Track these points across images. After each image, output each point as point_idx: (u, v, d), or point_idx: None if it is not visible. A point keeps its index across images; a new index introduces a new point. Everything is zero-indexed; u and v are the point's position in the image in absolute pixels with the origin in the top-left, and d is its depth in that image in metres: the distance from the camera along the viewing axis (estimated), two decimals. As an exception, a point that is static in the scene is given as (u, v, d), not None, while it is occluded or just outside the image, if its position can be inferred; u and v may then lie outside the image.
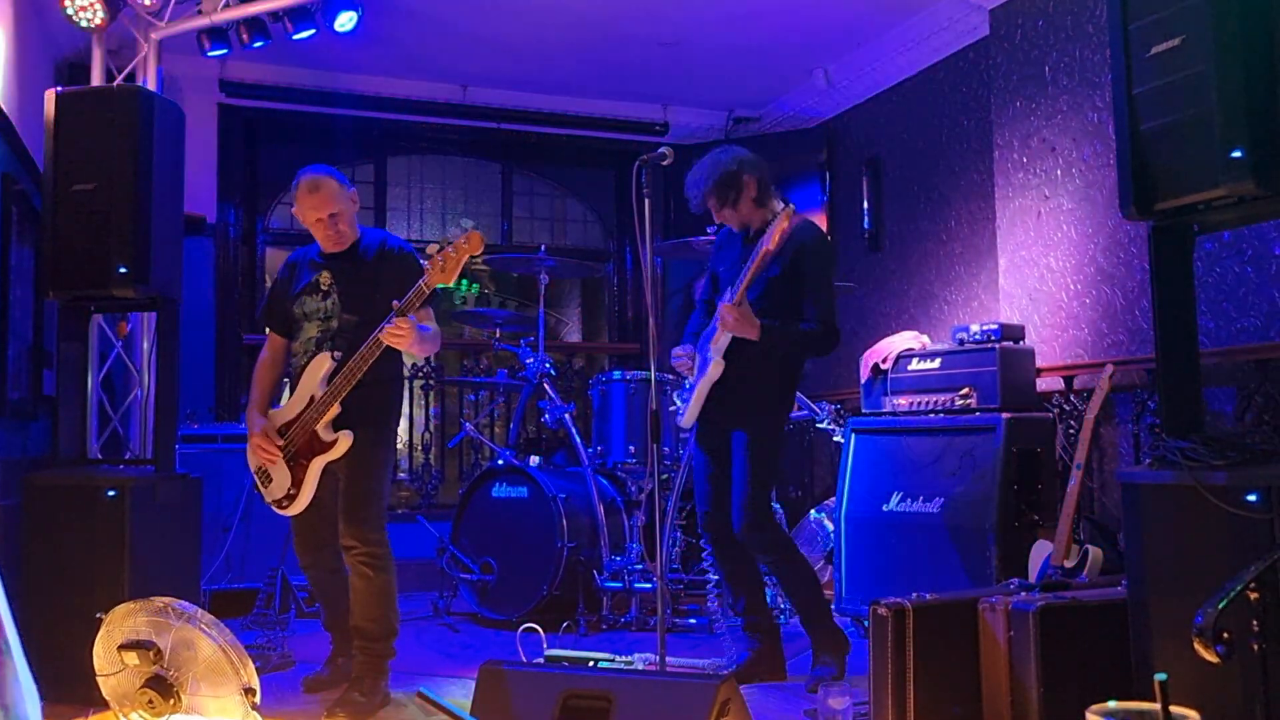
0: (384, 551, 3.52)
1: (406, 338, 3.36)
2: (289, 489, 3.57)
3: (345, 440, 3.48)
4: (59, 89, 3.87)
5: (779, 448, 3.87)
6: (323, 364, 3.51)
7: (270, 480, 3.62)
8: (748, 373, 3.71)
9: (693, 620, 4.75)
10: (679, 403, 3.92)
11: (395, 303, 3.35)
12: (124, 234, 3.71)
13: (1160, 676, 1.11)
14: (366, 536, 3.48)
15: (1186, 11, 2.41)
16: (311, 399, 3.51)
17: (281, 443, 3.56)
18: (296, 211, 3.66)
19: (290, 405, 3.60)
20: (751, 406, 3.74)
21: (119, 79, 4.99)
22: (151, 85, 4.90)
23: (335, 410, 3.48)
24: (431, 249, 3.34)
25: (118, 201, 3.72)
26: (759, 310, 3.64)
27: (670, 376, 5.08)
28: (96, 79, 4.86)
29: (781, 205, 3.73)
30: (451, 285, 3.30)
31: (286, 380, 3.81)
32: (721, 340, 3.69)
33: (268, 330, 3.84)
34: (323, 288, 3.63)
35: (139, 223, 3.72)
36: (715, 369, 3.70)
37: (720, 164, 3.75)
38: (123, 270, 3.69)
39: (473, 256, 3.34)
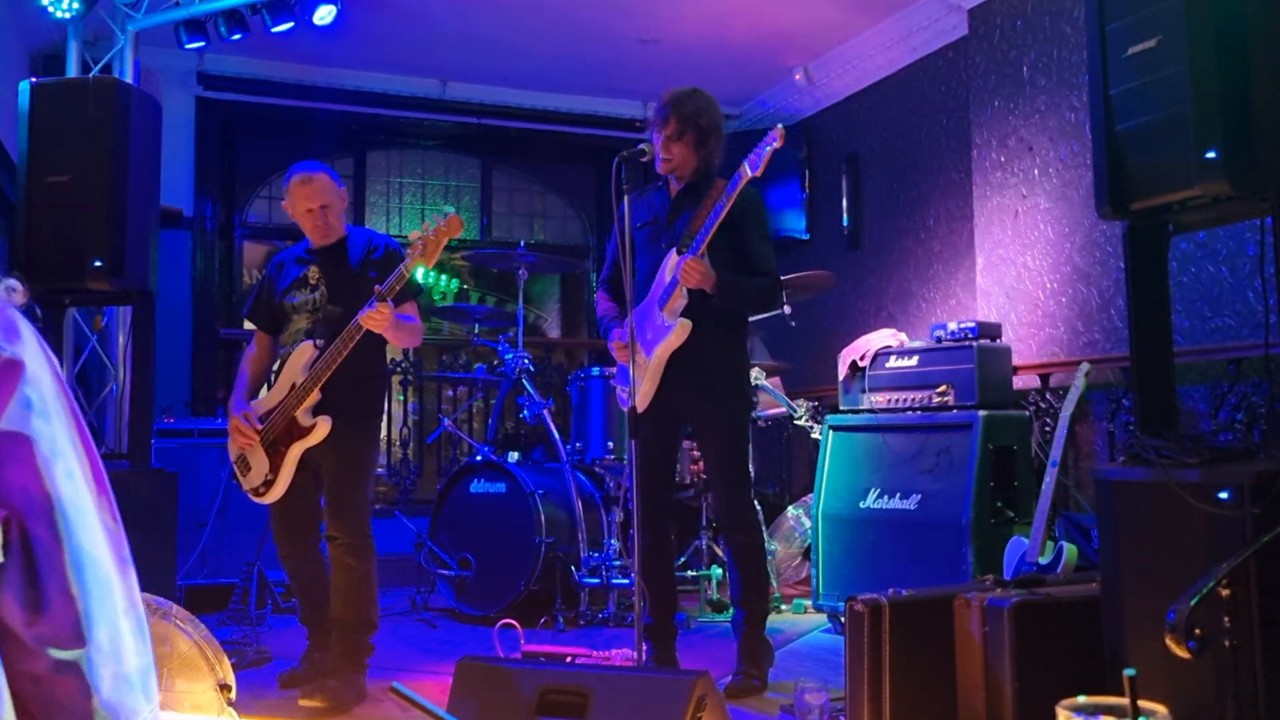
0: (367, 543, 3.54)
1: (384, 321, 3.37)
2: (266, 475, 3.56)
3: (324, 425, 3.47)
4: (34, 80, 3.83)
5: (749, 426, 3.74)
6: (305, 352, 3.53)
7: (249, 468, 3.61)
8: (703, 341, 3.46)
9: (670, 616, 4.74)
10: (619, 390, 3.71)
11: (378, 287, 3.37)
12: (99, 227, 3.68)
13: (1129, 671, 1.12)
14: (351, 528, 3.50)
15: (1163, 13, 2.43)
16: (293, 386, 3.52)
17: (261, 428, 3.56)
18: (287, 204, 3.68)
19: (272, 394, 3.61)
20: (717, 382, 3.52)
21: (95, 71, 4.95)
22: (128, 77, 4.87)
23: (315, 396, 3.48)
24: (413, 235, 3.38)
25: (93, 194, 3.69)
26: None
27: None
28: (72, 70, 4.82)
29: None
30: (431, 270, 3.27)
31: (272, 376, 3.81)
32: (677, 302, 3.45)
33: (254, 327, 3.84)
34: (311, 281, 3.65)
35: (114, 215, 3.70)
36: (681, 331, 3.40)
37: (708, 99, 3.78)
38: (98, 263, 3.67)
39: (452, 240, 3.38)
